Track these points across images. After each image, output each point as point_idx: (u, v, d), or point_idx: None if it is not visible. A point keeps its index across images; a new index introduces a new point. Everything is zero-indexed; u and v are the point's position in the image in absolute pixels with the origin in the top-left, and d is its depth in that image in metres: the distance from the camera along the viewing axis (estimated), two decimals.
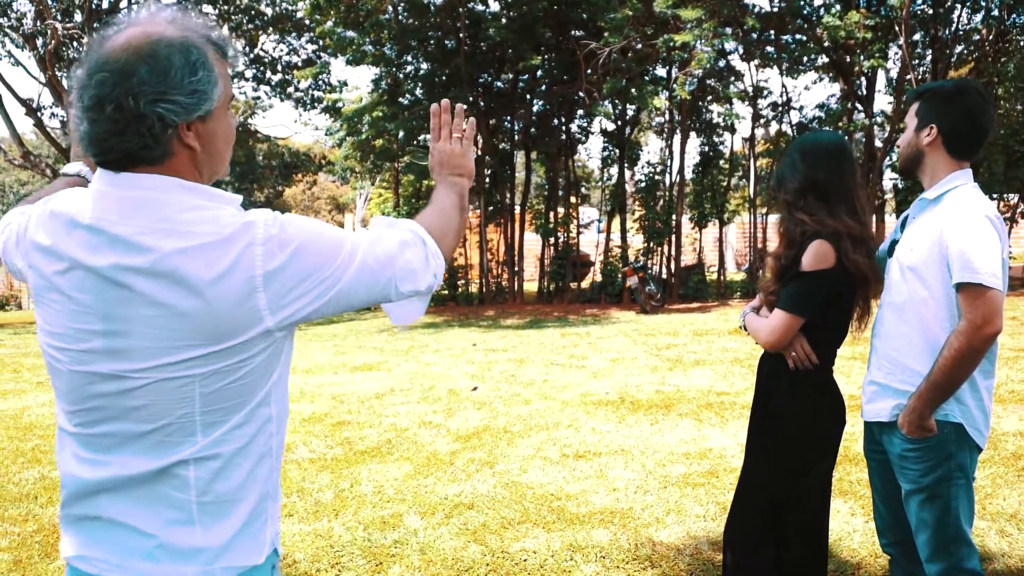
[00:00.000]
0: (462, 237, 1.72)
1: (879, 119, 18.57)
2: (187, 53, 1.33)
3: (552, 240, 19.90)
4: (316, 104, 23.03)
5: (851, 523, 4.17)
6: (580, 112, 19.72)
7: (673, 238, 18.80)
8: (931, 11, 17.73)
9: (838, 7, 15.87)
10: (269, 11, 21.83)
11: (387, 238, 1.51)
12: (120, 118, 1.30)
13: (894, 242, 2.70)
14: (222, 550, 1.42)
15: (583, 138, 21.19)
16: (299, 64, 22.81)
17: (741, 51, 18.17)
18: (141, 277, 1.30)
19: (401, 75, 19.03)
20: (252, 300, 1.32)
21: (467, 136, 1.88)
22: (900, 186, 18.44)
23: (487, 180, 19.70)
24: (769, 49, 18.49)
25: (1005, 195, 18.59)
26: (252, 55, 23.27)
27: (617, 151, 19.73)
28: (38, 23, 19.14)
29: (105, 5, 20.11)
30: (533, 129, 20.02)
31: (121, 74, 1.29)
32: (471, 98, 18.10)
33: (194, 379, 1.34)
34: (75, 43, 19.13)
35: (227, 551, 1.43)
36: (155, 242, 1.30)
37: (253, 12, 21.68)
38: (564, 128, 19.98)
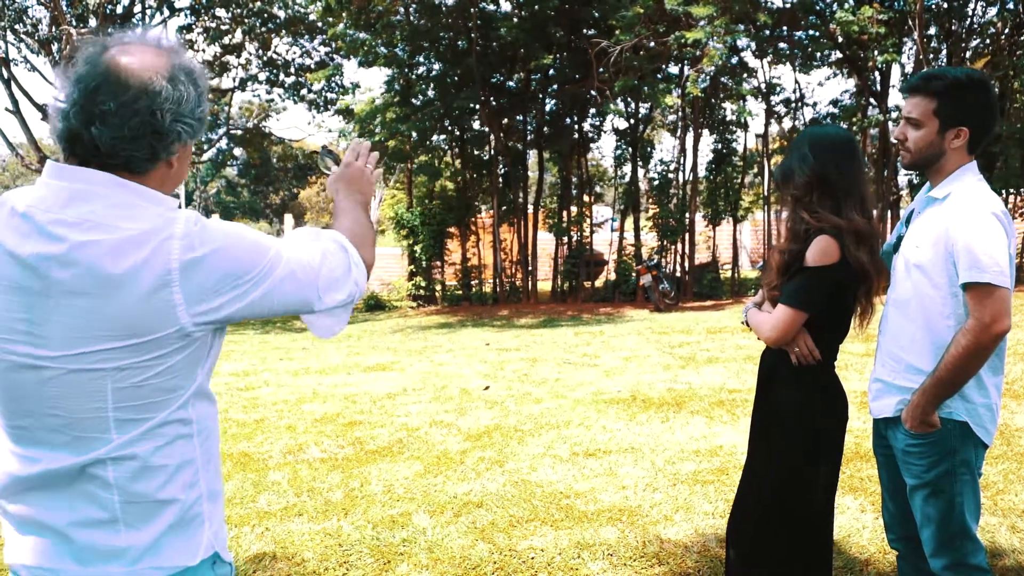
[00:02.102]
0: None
1: (894, 114, 18.44)
2: (196, 84, 1.46)
3: (566, 239, 19.87)
4: (330, 106, 23.11)
5: (861, 519, 4.15)
6: (592, 111, 19.68)
7: (687, 236, 18.74)
8: (946, 4, 17.60)
9: (851, 2, 15.75)
10: (282, 14, 21.90)
11: (310, 247, 1.55)
12: (142, 129, 1.39)
13: (899, 238, 2.68)
14: (148, 550, 1.44)
15: (596, 137, 21.15)
16: (312, 66, 22.87)
17: (753, 47, 18.08)
18: (58, 266, 1.33)
19: (413, 76, 19.07)
20: (167, 294, 1.34)
21: (376, 165, 1.93)
22: (916, 182, 18.31)
23: (500, 180, 19.70)
24: (782, 45, 18.39)
25: (1022, 189, 18.39)
26: (265, 58, 23.37)
27: (630, 149, 19.67)
28: (53, 28, 19.32)
29: (119, 10, 20.27)
30: (545, 128, 20.00)
31: (149, 91, 1.39)
32: (483, 97, 18.10)
33: (106, 373, 1.36)
34: (92, 45, 19.30)
35: (153, 552, 1.44)
36: (75, 233, 1.34)
37: (266, 15, 21.76)
38: (577, 127, 19.95)
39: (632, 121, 19.46)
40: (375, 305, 19.61)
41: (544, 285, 21.85)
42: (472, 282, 20.20)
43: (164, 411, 1.42)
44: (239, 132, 29.05)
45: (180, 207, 1.46)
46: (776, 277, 2.71)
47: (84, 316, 1.34)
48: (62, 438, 1.41)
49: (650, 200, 19.80)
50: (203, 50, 22.34)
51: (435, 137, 19.83)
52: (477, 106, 18.39)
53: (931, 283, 2.45)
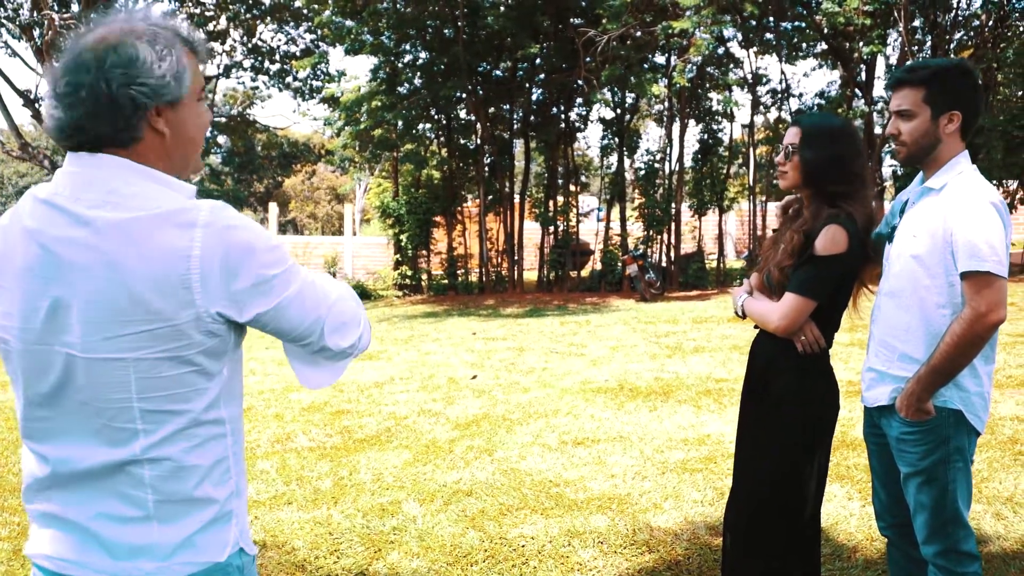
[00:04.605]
0: None
1: (879, 106, 18.53)
2: (153, 43, 1.40)
3: (552, 229, 19.87)
4: (315, 94, 22.94)
5: (848, 507, 4.19)
6: (579, 100, 19.66)
7: (672, 226, 18.78)
8: None
9: None
10: (267, 0, 21.72)
11: (325, 281, 1.53)
12: (93, 102, 1.35)
13: (892, 228, 2.68)
14: (180, 547, 1.42)
15: (582, 126, 21.15)
16: (297, 54, 22.70)
17: (740, 38, 18.11)
18: (82, 249, 1.33)
19: (400, 64, 18.97)
20: (186, 282, 1.32)
21: None
22: (900, 172, 18.41)
23: (486, 169, 19.67)
24: (768, 36, 18.43)
25: (1004, 181, 18.54)
26: (250, 45, 23.17)
27: (616, 139, 19.67)
28: (35, 13, 19.07)
29: None
30: (532, 117, 19.97)
31: (94, 61, 1.36)
32: (470, 86, 18.04)
33: (127, 363, 1.34)
34: (72, 33, 19.10)
35: (185, 548, 1.43)
36: (97, 214, 1.33)
37: (251, 1, 21.56)
38: (563, 116, 19.93)
39: (618, 111, 19.46)
40: (361, 294, 19.55)
41: (530, 275, 21.86)
42: (458, 271, 20.17)
43: (192, 407, 1.40)
44: (223, 120, 28.81)
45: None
46: (788, 258, 2.68)
47: (105, 298, 1.32)
48: (90, 430, 1.38)
49: (636, 190, 19.83)
50: None
51: (421, 126, 19.75)
52: (463, 95, 18.32)
53: (927, 272, 2.45)
